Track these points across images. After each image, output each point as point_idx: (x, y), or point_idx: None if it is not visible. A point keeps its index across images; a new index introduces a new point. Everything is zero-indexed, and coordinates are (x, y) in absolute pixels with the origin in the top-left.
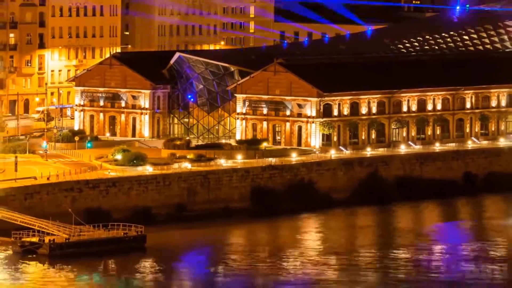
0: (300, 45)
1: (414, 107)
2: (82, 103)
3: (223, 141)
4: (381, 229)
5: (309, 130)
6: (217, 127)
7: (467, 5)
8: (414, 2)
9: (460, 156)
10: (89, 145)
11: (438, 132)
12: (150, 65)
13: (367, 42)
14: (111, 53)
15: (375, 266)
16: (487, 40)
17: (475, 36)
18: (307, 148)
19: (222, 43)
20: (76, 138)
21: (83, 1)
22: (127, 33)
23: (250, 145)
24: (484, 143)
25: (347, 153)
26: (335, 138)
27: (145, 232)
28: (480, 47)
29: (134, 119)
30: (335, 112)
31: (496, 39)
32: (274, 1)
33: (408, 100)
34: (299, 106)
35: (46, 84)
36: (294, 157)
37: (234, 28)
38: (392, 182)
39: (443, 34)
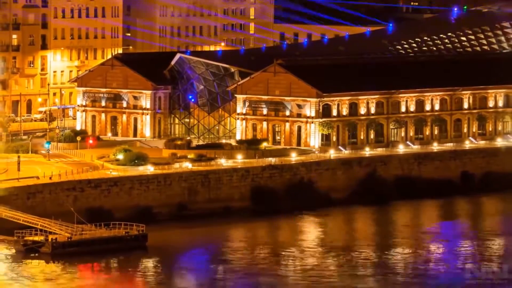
0: (299, 46)
1: (412, 108)
2: (84, 104)
3: (224, 141)
4: (379, 229)
5: (309, 130)
6: (217, 127)
7: (465, 6)
8: (412, 3)
9: (457, 156)
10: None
11: (436, 132)
12: (151, 66)
13: (366, 43)
14: (113, 54)
15: (374, 265)
16: (484, 41)
17: (472, 37)
18: (307, 148)
19: (223, 44)
20: (78, 138)
21: (85, 2)
22: (129, 34)
23: (250, 145)
24: (482, 143)
25: (346, 153)
26: (334, 138)
27: (146, 231)
28: (478, 48)
29: (135, 119)
30: (334, 112)
31: (493, 40)
32: (274, 2)
33: (407, 101)
34: (299, 106)
35: (48, 84)
36: (293, 157)
37: (234, 29)
38: (390, 181)
39: (441, 35)
